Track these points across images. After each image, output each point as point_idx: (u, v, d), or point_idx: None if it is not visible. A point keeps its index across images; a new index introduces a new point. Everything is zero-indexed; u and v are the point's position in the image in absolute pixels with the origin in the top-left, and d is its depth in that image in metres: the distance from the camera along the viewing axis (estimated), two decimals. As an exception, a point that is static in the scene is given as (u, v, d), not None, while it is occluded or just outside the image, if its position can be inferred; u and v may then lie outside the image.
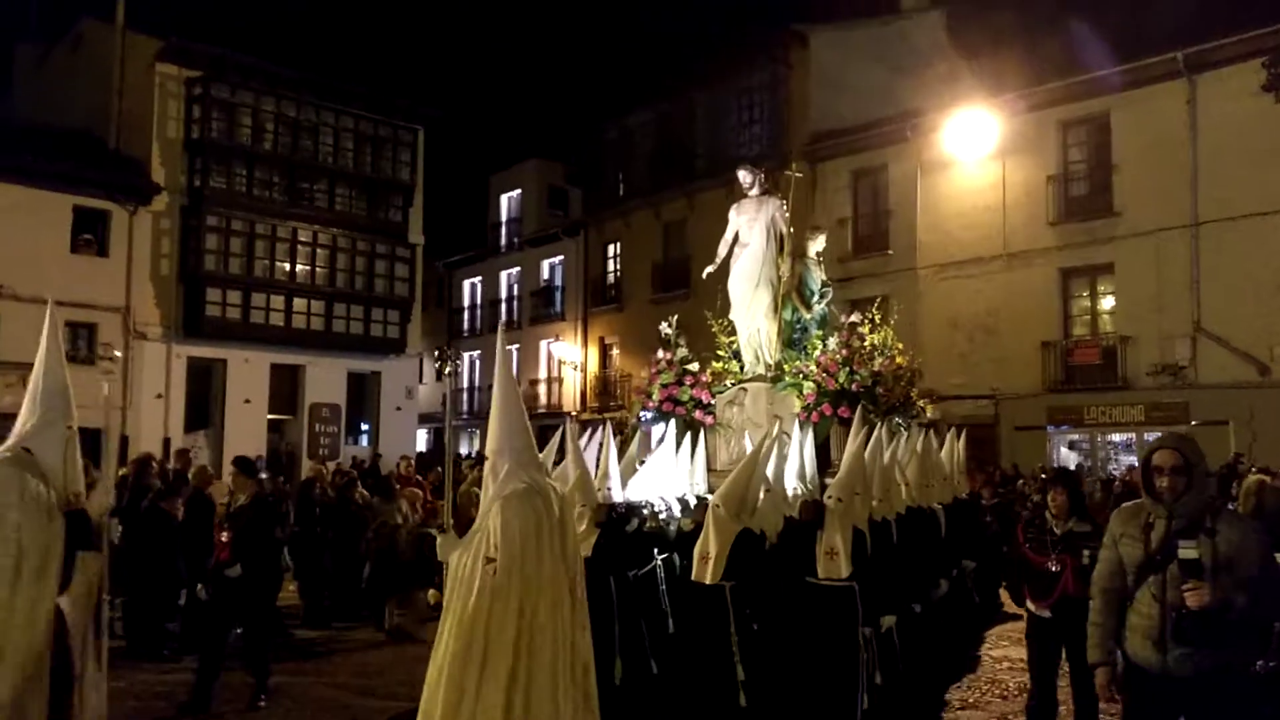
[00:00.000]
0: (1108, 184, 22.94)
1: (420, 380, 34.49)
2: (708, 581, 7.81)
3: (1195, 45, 21.32)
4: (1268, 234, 20.32)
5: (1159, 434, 20.76)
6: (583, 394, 35.34)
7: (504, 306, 40.20)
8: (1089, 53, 23.01)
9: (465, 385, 41.82)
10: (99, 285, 24.94)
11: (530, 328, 38.42)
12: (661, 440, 11.31)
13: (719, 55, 31.08)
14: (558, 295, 37.60)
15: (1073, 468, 22.22)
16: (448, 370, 6.96)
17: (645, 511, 9.10)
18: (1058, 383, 23.30)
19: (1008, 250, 24.15)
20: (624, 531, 8.36)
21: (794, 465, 9.81)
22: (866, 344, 12.37)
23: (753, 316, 12.75)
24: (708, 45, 44.10)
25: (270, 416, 28.50)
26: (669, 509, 9.53)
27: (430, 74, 71.23)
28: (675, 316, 13.59)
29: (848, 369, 11.76)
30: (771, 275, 12.61)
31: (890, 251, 26.44)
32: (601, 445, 9.40)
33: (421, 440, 37.86)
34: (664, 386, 12.86)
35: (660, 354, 13.17)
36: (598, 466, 9.16)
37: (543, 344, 37.70)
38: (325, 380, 29.16)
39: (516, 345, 39.24)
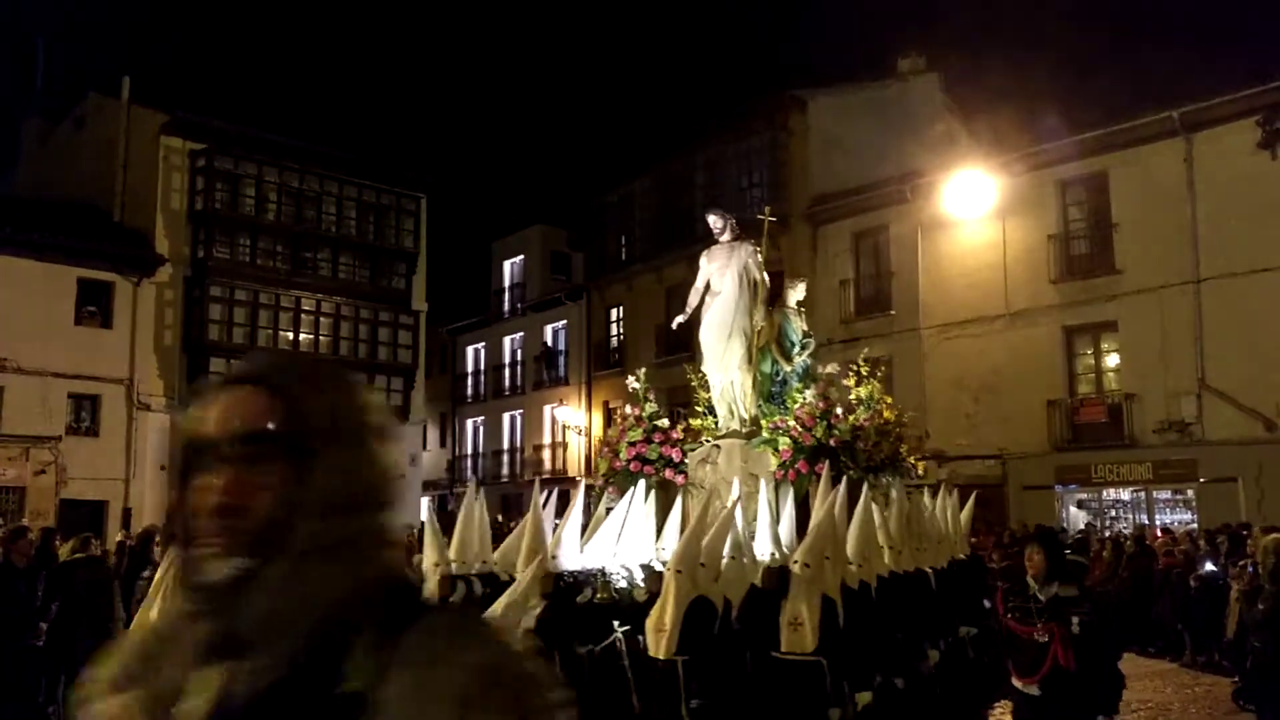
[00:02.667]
0: (1108, 242, 22.99)
1: (424, 447, 34.31)
2: (661, 656, 7.14)
3: (1190, 104, 21.49)
4: (1270, 290, 20.27)
5: (1168, 492, 20.65)
6: (587, 458, 35.16)
7: (507, 371, 40.21)
8: (1086, 111, 23.21)
9: (469, 451, 41.70)
10: (103, 357, 24.98)
11: (534, 392, 38.36)
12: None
13: (718, 120, 31.37)
14: (561, 360, 37.60)
15: (1082, 526, 22.06)
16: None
17: (601, 580, 8.37)
18: (1064, 441, 23.16)
19: (1010, 309, 24.14)
20: (573, 602, 7.66)
21: (767, 528, 8.87)
22: (852, 396, 11.80)
23: (726, 369, 12.01)
24: (707, 111, 44.64)
25: (274, 486, 28.31)
26: (630, 576, 8.74)
27: (432, 142, 72.07)
28: (643, 370, 12.96)
29: (825, 422, 11.04)
30: (745, 325, 11.89)
31: (893, 312, 26.46)
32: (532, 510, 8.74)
33: (424, 508, 37.57)
34: (631, 444, 12.07)
35: (628, 409, 12.45)
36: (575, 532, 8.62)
37: (546, 409, 37.61)
38: (329, 449, 28.96)
39: (520, 410, 39.16)
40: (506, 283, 41.06)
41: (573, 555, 8.47)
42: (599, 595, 8.09)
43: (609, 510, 10.34)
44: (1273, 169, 20.58)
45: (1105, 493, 23.27)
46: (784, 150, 29.09)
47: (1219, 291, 21.04)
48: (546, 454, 37.27)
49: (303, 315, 28.57)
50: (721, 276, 12.10)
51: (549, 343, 38.30)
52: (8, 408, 23.36)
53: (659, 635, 7.20)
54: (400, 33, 74.81)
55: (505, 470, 38.74)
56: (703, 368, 12.52)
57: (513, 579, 7.59)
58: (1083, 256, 23.64)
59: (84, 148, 28.86)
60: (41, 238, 24.42)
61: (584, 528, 9.47)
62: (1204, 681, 13.47)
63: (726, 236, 12.38)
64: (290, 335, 28.35)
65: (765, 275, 12.27)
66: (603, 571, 8.54)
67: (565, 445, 36.48)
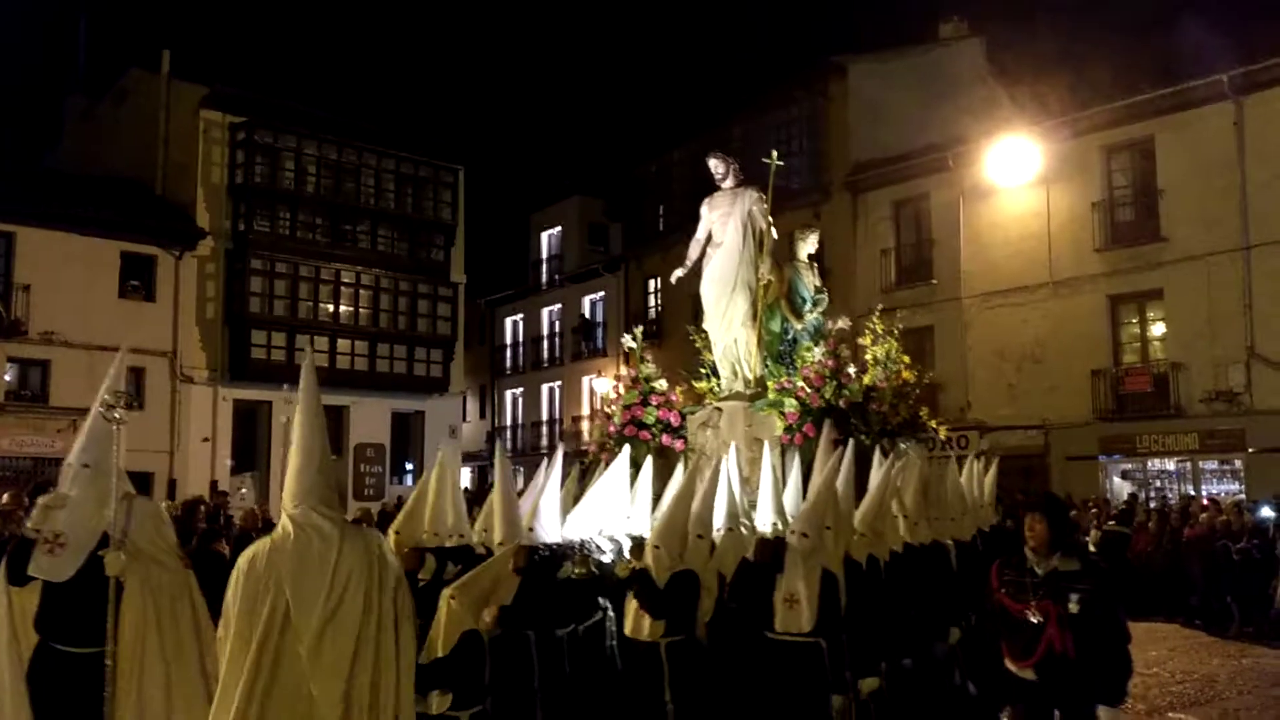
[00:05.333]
0: (1154, 209, 22.60)
1: (464, 418, 34.46)
2: (645, 637, 6.63)
3: (1241, 67, 21.03)
4: (1322, 256, 19.91)
5: (1214, 463, 20.38)
6: (626, 429, 35.13)
7: (545, 343, 40.29)
8: (1132, 76, 22.76)
9: (509, 422, 41.88)
10: (146, 330, 25.14)
11: (572, 364, 38.41)
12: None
13: (757, 88, 31.09)
14: (599, 331, 37.59)
15: (1126, 497, 21.83)
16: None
17: (579, 554, 7.55)
18: (1109, 411, 22.87)
19: (1054, 278, 23.82)
20: (552, 578, 6.98)
21: (770, 497, 8.10)
22: (868, 355, 10.99)
23: (729, 326, 11.07)
24: (746, 78, 44.26)
25: (315, 457, 28.57)
26: (617, 549, 7.99)
27: (470, 114, 72.04)
28: (640, 329, 12.13)
29: (835, 382, 10.26)
30: (749, 278, 10.98)
31: (934, 281, 26.18)
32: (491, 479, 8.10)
33: (466, 479, 37.85)
34: (627, 408, 11.23)
35: (624, 371, 11.68)
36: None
37: (584, 380, 37.65)
38: (369, 420, 29.27)
39: (559, 382, 39.24)
40: (544, 254, 41.09)
41: (553, 528, 7.74)
42: (576, 570, 7.25)
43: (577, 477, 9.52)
44: (1326, 133, 20.13)
45: (1150, 463, 22.99)
46: (824, 118, 28.77)
47: (1269, 258, 20.65)
48: (585, 425, 37.33)
49: (342, 288, 28.73)
50: (724, 226, 11.23)
51: (587, 314, 38.31)
52: (56, 381, 23.76)
53: (640, 615, 6.72)
54: (439, 5, 74.69)
55: (544, 442, 38.87)
56: (704, 325, 11.57)
57: (490, 553, 6.95)
58: (1128, 224, 23.27)
59: (125, 123, 29.09)
60: (85, 212, 24.70)
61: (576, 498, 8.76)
62: (1251, 653, 13.29)
63: (729, 183, 11.57)
64: (330, 308, 28.54)
65: (772, 224, 11.28)
66: (582, 545, 7.83)
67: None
